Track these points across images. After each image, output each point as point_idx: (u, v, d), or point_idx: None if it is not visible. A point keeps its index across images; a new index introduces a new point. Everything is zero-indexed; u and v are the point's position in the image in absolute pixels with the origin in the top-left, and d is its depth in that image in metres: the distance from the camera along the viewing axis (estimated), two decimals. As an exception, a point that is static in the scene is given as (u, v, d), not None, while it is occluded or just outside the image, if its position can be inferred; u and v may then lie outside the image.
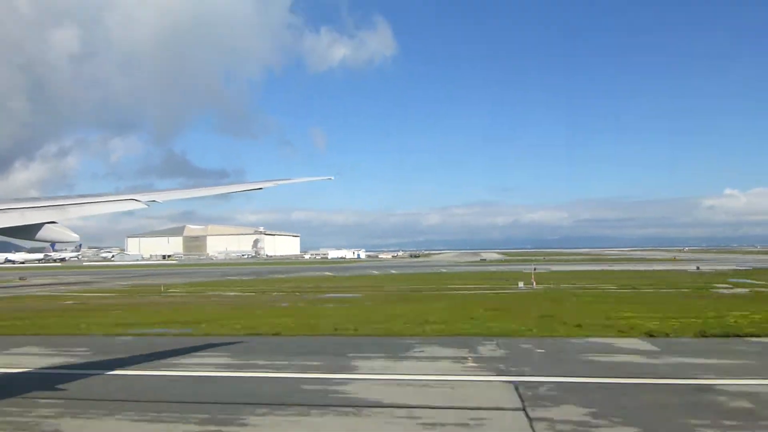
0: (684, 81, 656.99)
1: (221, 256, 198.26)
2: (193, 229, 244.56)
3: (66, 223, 10.18)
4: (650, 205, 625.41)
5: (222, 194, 10.86)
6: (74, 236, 10.05)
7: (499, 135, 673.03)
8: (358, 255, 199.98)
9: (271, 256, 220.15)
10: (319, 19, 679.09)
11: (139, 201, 10.47)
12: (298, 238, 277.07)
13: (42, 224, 9.73)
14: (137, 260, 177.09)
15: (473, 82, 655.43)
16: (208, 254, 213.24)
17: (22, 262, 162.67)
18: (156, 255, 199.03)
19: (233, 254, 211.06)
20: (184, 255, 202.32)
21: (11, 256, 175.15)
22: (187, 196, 10.59)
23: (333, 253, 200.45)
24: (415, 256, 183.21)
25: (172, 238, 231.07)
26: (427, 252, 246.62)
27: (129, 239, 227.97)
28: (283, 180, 10.91)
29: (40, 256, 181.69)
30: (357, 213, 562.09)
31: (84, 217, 10.28)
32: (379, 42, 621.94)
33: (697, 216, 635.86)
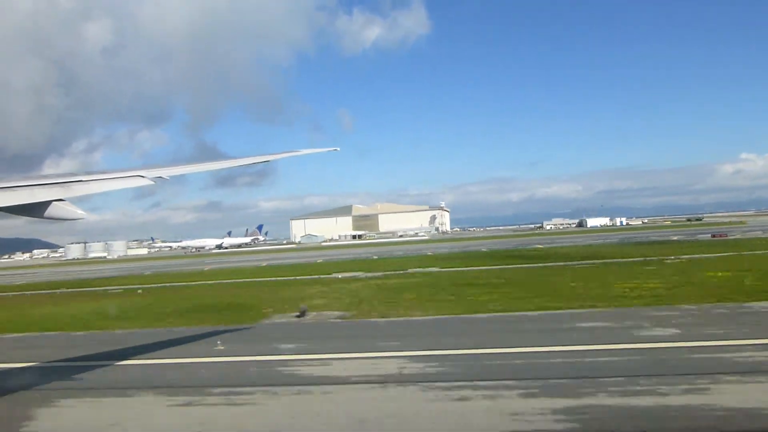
0: (696, 49, 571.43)
1: (424, 233, 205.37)
2: (360, 208, 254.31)
3: (74, 200, 10.71)
4: (665, 174, 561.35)
5: (229, 168, 11.03)
6: (81, 213, 10.60)
7: (519, 110, 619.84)
8: (622, 222, 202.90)
9: (447, 232, 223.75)
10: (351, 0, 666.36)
11: (144, 177, 10.94)
12: (449, 213, 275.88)
13: (50, 202, 10.29)
14: (320, 242, 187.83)
15: (498, 60, 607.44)
16: (382, 232, 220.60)
17: (227, 247, 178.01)
18: (345, 236, 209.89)
19: (417, 231, 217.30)
20: (376, 234, 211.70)
21: (226, 241, 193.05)
22: (193, 171, 10.91)
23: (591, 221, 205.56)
24: (698, 219, 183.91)
25: (340, 218, 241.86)
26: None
27: (293, 221, 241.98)
28: (289, 152, 10.89)
29: (248, 240, 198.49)
30: (370, 195, 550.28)
31: (91, 194, 10.82)
32: (413, 21, 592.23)
33: (712, 182, 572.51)
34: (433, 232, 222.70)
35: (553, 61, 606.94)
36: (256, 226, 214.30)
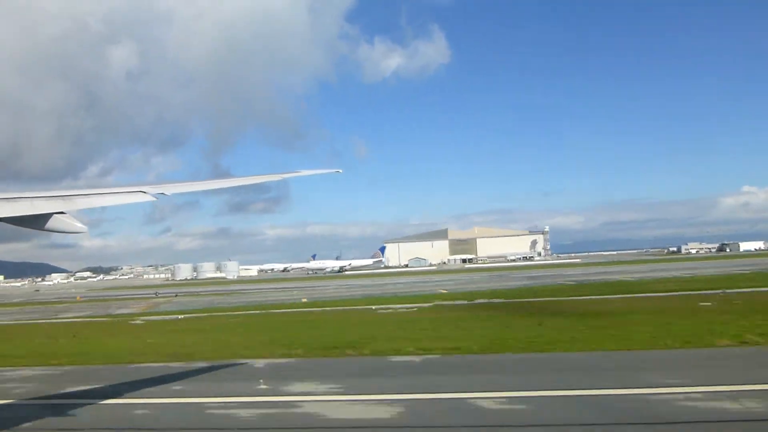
0: (697, 80, 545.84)
1: (540, 257, 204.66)
2: (456, 232, 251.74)
3: (74, 214, 10.84)
4: (667, 206, 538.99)
5: (230, 187, 10.85)
6: (81, 226, 10.68)
7: (524, 143, 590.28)
8: None
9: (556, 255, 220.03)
10: (374, 29, 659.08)
11: (146, 193, 10.95)
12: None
13: (51, 214, 10.47)
14: (427, 266, 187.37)
15: (512, 94, 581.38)
16: (480, 257, 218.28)
17: (348, 270, 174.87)
18: (454, 260, 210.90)
19: (525, 255, 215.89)
20: (488, 258, 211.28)
21: (353, 263, 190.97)
22: (195, 189, 10.86)
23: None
24: None
25: (436, 242, 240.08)
26: None
27: (387, 245, 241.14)
28: (291, 173, 10.63)
29: (371, 262, 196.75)
30: (372, 224, 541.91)
31: (92, 208, 10.94)
32: (433, 51, 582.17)
33: (715, 215, 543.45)
34: (533, 255, 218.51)
35: (564, 92, 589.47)
36: (379, 247, 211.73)
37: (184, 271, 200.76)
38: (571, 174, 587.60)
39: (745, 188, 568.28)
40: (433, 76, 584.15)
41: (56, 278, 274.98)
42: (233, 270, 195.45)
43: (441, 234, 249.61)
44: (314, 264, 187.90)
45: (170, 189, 10.79)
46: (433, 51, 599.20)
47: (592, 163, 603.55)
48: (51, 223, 10.24)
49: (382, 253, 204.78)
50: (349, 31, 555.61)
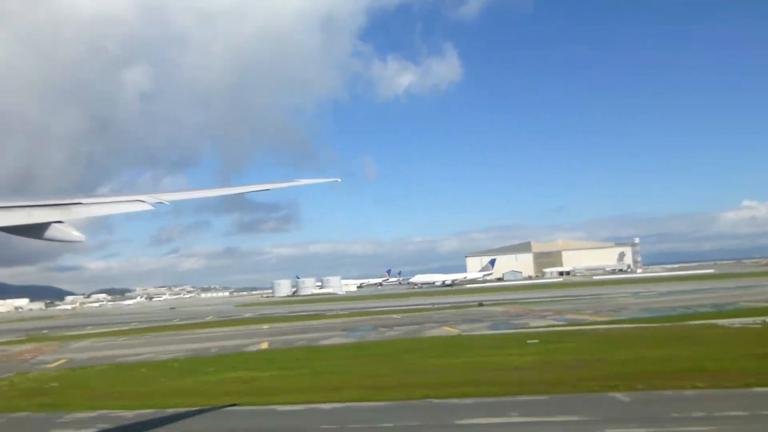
0: (696, 95, 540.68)
1: (641, 270, 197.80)
2: (540, 245, 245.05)
3: (73, 223, 10.70)
4: (667, 221, 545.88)
5: (230, 195, 10.50)
6: (78, 235, 10.56)
7: (536, 158, 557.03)
8: None
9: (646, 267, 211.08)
10: (387, 47, 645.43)
11: (145, 202, 10.76)
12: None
13: (49, 223, 10.38)
14: (521, 278, 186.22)
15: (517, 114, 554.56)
16: (568, 270, 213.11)
17: (457, 284, 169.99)
18: (551, 272, 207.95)
19: (618, 268, 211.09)
20: (588, 270, 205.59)
21: (469, 275, 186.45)
22: (194, 197, 10.65)
23: None
24: None
25: (520, 255, 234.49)
26: None
27: (469, 258, 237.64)
28: (290, 182, 10.22)
29: (480, 275, 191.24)
30: (374, 242, 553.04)
31: (90, 218, 10.79)
32: (445, 69, 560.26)
33: (715, 229, 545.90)
34: (622, 269, 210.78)
35: (571, 111, 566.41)
36: (489, 260, 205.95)
37: (284, 288, 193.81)
38: (573, 190, 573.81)
39: (746, 203, 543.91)
40: (445, 93, 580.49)
41: (136, 298, 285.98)
42: (336, 285, 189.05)
43: (524, 247, 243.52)
44: (420, 278, 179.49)
45: (168, 197, 10.56)
46: (446, 69, 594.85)
47: (595, 179, 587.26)
48: (49, 233, 10.14)
49: (492, 266, 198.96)
50: (362, 49, 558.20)
